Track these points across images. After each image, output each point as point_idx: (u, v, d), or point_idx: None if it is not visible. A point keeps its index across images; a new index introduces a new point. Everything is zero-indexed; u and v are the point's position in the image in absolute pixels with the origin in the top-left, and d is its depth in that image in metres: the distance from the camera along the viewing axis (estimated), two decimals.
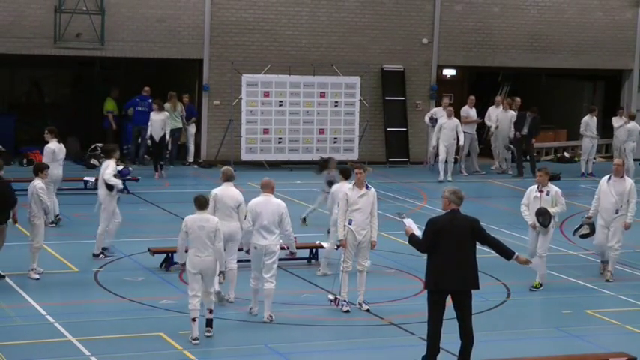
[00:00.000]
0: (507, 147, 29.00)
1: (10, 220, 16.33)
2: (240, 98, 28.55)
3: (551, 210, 16.14)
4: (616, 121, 29.22)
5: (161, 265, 17.04)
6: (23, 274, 16.34)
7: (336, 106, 29.42)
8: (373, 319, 14.62)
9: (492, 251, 12.47)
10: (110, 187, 17.43)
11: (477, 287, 12.14)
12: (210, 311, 13.51)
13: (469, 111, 29.52)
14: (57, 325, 13.81)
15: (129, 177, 24.41)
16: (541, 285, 16.33)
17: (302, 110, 29.12)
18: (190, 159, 29.14)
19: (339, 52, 29.98)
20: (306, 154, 29.08)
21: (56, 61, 30.24)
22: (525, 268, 14.58)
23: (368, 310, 14.88)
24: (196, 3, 28.73)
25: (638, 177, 27.84)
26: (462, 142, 27.54)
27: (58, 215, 19.96)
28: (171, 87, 28.99)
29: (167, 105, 28.18)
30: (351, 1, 30.08)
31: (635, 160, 29.49)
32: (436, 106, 29.99)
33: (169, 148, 28.10)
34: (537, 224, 16.16)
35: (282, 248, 16.19)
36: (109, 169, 17.46)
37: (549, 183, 16.47)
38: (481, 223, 12.32)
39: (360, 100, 29.63)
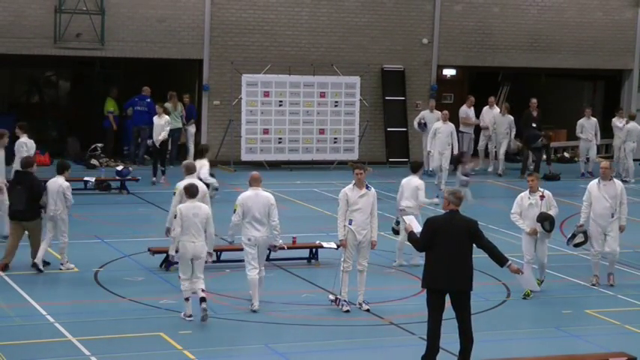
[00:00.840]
0: (513, 152, 29.03)
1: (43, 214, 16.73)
2: (240, 98, 28.55)
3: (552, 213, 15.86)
4: (619, 122, 29.12)
5: (161, 265, 17.05)
6: (23, 274, 16.35)
7: (336, 106, 29.43)
8: (373, 319, 14.62)
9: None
10: (206, 186, 17.63)
11: (470, 288, 12.12)
12: (203, 290, 14.16)
13: (468, 111, 29.49)
14: (57, 325, 13.81)
15: (129, 177, 24.56)
16: (532, 292, 15.91)
17: (302, 110, 29.12)
18: (190, 159, 29.12)
19: (339, 52, 29.99)
20: (306, 154, 29.09)
21: (56, 61, 30.25)
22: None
23: (368, 310, 14.89)
24: (196, 3, 28.73)
25: (639, 177, 27.92)
26: (456, 150, 26.52)
27: None
28: (171, 87, 28.98)
29: (167, 105, 28.18)
30: (351, 1, 30.08)
31: (634, 160, 29.50)
32: (437, 107, 29.97)
33: (169, 148, 28.10)
34: (541, 230, 15.75)
35: (282, 248, 16.25)
36: (205, 168, 18.09)
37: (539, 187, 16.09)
38: (480, 224, 12.34)
39: (360, 100, 29.64)
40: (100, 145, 28.28)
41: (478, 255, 12.37)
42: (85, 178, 23.83)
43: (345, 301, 14.87)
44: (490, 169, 29.18)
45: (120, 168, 25.10)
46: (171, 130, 27.40)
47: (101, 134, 29.35)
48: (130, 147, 29.23)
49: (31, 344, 13.00)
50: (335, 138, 29.45)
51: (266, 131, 28.87)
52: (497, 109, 29.46)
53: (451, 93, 31.83)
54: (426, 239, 12.12)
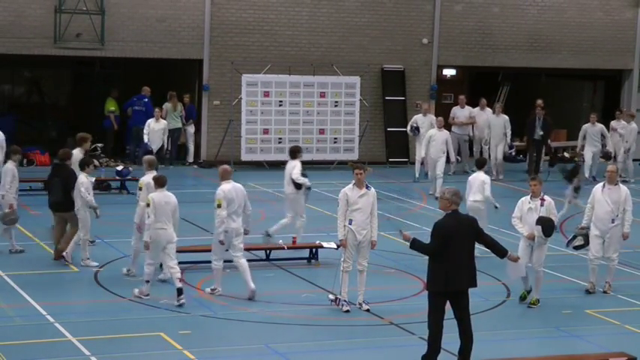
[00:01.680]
0: (506, 154, 28.33)
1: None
2: (240, 98, 28.55)
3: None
4: (617, 124, 28.80)
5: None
6: (23, 274, 16.35)
7: (336, 106, 29.43)
8: (373, 319, 14.62)
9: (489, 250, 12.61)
10: (298, 186, 18.42)
11: (475, 286, 12.31)
12: (180, 280, 14.94)
13: (457, 111, 29.23)
14: (57, 325, 13.81)
15: (129, 177, 24.55)
16: (529, 293, 15.59)
17: (302, 110, 29.13)
18: (190, 159, 29.16)
19: (339, 52, 29.99)
20: (306, 154, 29.01)
21: (56, 61, 30.24)
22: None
23: (368, 310, 14.88)
24: (196, 3, 28.74)
25: (638, 177, 27.91)
26: (452, 159, 26.17)
27: None
28: (171, 87, 29.01)
29: (167, 105, 28.20)
30: (351, 1, 30.09)
31: (634, 160, 29.47)
32: (435, 107, 29.96)
33: (169, 148, 28.10)
34: (538, 235, 15.33)
35: (282, 248, 16.26)
36: (296, 168, 18.48)
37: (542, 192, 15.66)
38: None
39: (360, 100, 29.64)
40: (100, 145, 28.27)
41: (478, 255, 12.35)
42: None
43: (345, 301, 14.87)
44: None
45: (120, 168, 25.10)
46: (170, 130, 27.41)
47: (101, 134, 29.35)
48: (130, 147, 29.23)
49: (31, 344, 13.00)
50: (335, 138, 29.45)
51: (266, 131, 28.88)
52: (489, 110, 28.76)
53: (451, 93, 31.82)
54: (439, 243, 12.08)
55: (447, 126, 27.39)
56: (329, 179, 26.42)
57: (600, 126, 28.15)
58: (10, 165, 17.78)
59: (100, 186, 24.13)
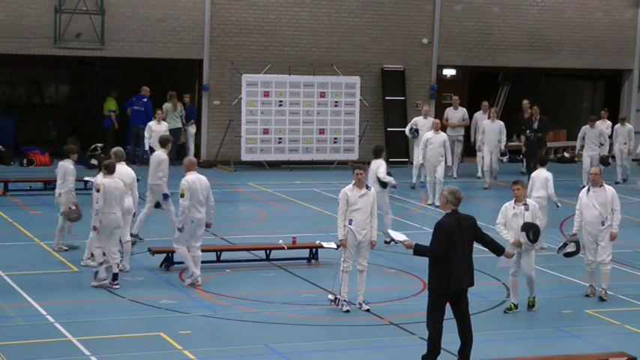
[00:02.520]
0: (500, 160, 27.23)
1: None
2: (240, 98, 28.55)
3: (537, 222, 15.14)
4: (603, 124, 28.17)
5: (161, 265, 17.04)
6: (23, 274, 16.35)
7: (336, 106, 29.43)
8: (373, 319, 14.62)
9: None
10: (384, 184, 18.96)
11: (474, 284, 12.40)
12: (117, 265, 15.58)
13: (449, 113, 28.90)
14: (57, 325, 13.81)
15: None
16: (516, 307, 15.15)
17: (302, 110, 29.12)
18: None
19: (339, 52, 30.00)
20: (306, 154, 29.10)
21: (56, 61, 30.25)
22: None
23: (368, 310, 14.88)
24: (196, 3, 28.75)
25: (635, 177, 27.85)
26: (449, 162, 25.30)
27: None
28: (171, 87, 28.99)
29: (167, 105, 28.19)
30: (351, 1, 30.09)
31: (634, 160, 29.45)
32: (435, 107, 29.92)
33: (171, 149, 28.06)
34: (524, 240, 14.92)
35: (282, 248, 16.27)
36: (382, 167, 19.03)
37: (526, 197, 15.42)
38: (480, 224, 12.42)
39: (360, 100, 29.64)
40: (100, 145, 28.26)
41: (478, 255, 12.36)
42: (85, 178, 23.77)
43: (345, 301, 14.87)
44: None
45: None
46: (170, 130, 27.37)
47: (101, 134, 29.35)
48: (130, 147, 29.22)
49: (31, 344, 13.00)
50: (335, 138, 29.44)
51: (266, 131, 28.87)
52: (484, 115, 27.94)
53: (451, 93, 31.81)
54: (443, 244, 12.04)
55: (442, 127, 26.56)
56: (329, 179, 26.43)
57: (600, 128, 27.08)
58: (68, 164, 17.88)
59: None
